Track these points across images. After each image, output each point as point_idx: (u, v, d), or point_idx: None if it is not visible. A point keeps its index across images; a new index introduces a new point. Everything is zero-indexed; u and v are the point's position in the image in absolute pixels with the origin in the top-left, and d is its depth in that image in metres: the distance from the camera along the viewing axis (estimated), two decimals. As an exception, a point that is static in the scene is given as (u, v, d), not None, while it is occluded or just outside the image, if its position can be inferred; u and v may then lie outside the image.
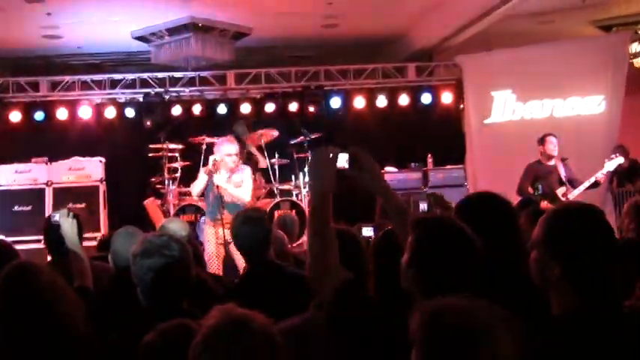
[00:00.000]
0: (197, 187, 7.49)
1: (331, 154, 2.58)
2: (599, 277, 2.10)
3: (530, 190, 8.71)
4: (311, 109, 11.68)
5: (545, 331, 2.04)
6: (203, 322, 1.94)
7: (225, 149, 7.38)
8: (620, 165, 8.89)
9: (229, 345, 1.84)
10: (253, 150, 10.65)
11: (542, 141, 8.85)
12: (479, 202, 3.00)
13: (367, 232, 3.83)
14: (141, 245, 2.90)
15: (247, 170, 7.67)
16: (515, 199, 7.33)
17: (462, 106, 11.80)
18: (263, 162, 10.49)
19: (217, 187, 7.27)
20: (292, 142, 10.60)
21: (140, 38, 10.44)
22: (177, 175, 10.35)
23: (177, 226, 4.27)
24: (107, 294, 3.59)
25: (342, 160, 2.61)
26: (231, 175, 7.43)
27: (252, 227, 3.80)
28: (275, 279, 3.63)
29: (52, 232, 4.20)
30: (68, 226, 3.82)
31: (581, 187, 8.55)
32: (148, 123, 11.18)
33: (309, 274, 2.89)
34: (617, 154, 8.81)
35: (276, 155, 10.52)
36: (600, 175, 8.52)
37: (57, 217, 3.87)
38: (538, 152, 8.94)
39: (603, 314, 2.06)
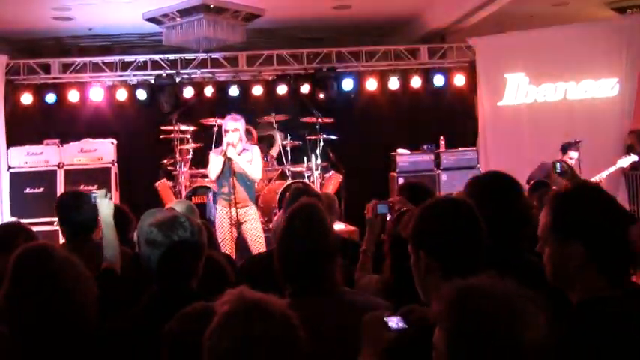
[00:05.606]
0: (214, 170, 7.49)
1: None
2: (620, 252, 2.04)
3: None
4: (323, 91, 11.61)
5: (574, 318, 1.99)
6: (217, 308, 1.87)
7: (229, 125, 7.44)
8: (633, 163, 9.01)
9: (247, 329, 1.78)
10: (277, 136, 10.79)
11: (564, 151, 8.97)
12: (485, 179, 3.05)
13: (382, 209, 3.84)
14: (149, 219, 2.89)
15: (256, 149, 7.71)
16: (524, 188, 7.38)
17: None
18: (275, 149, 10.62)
19: (229, 159, 7.30)
20: (302, 120, 10.68)
21: (152, 20, 10.38)
22: (189, 157, 10.35)
23: (180, 208, 4.12)
24: (126, 275, 3.56)
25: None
26: (240, 153, 7.44)
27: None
28: None
29: (65, 212, 4.18)
30: (106, 206, 3.76)
31: (595, 179, 8.68)
32: (164, 105, 11.11)
33: None
34: (631, 154, 8.96)
35: (288, 137, 10.51)
36: (604, 175, 8.69)
37: (96, 198, 3.81)
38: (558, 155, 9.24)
39: (634, 296, 2.02)
